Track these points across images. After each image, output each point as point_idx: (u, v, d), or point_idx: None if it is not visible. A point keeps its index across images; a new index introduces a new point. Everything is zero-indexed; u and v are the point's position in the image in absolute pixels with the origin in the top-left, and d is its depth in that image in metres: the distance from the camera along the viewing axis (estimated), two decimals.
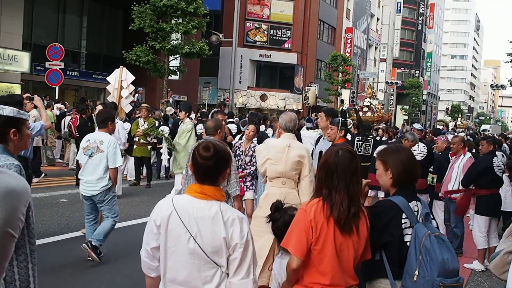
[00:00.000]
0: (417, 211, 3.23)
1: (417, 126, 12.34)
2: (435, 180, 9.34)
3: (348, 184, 3.03)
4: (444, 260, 2.99)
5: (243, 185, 7.84)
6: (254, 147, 7.97)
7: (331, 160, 3.07)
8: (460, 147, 8.76)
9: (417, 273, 3.02)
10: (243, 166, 7.98)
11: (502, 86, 48.21)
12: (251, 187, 8.01)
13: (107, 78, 13.58)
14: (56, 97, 20.36)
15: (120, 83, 12.93)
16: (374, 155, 8.32)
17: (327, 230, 2.97)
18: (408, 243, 3.12)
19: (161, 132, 12.96)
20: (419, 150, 9.09)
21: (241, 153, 8.05)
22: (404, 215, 3.16)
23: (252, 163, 7.94)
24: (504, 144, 16.30)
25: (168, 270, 2.75)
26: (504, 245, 3.48)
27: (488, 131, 41.98)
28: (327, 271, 2.98)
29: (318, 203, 3.04)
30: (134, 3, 24.53)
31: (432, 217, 3.33)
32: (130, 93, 13.73)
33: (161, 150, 13.09)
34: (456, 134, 16.03)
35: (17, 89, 21.21)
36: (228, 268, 2.71)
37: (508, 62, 37.46)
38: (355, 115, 15.50)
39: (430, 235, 3.06)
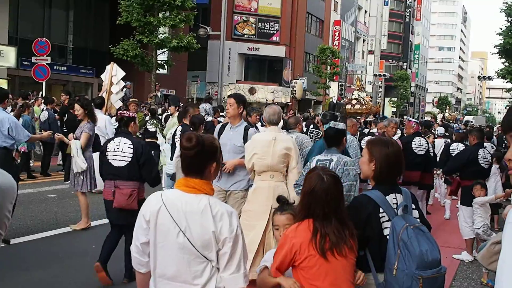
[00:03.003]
0: (396, 204, 3.24)
1: (413, 120, 12.39)
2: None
3: (335, 208, 3.06)
4: (422, 252, 3.00)
5: None
6: None
7: (318, 187, 3.07)
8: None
9: (396, 267, 3.03)
10: None
11: (489, 78, 48.50)
12: None
13: (101, 76, 13.56)
14: (44, 92, 20.20)
15: (110, 79, 12.91)
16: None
17: (317, 255, 3.00)
18: (387, 237, 3.13)
19: (151, 122, 12.94)
20: (422, 145, 9.07)
21: None
22: (381, 209, 3.18)
23: None
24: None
25: (158, 265, 2.75)
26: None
27: (471, 122, 42.21)
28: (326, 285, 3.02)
29: (305, 228, 3.07)
30: None
31: (414, 207, 3.33)
32: (120, 89, 13.69)
33: (158, 142, 13.03)
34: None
35: (3, 84, 20.99)
36: (218, 263, 2.71)
37: (495, 53, 37.70)
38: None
39: (408, 227, 3.07)
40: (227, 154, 5.86)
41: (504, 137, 12.52)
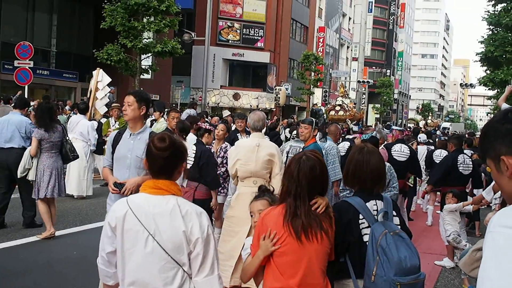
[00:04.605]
0: (376, 210, 3.25)
1: (396, 127, 12.51)
2: (411, 180, 9.48)
3: (309, 191, 3.04)
4: (401, 259, 3.01)
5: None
6: (225, 147, 7.74)
7: (293, 167, 3.09)
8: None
9: (374, 273, 3.03)
10: None
11: (471, 85, 49.03)
12: (222, 191, 7.71)
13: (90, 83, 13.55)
14: (26, 96, 20.00)
15: (96, 84, 12.85)
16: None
17: (290, 238, 2.98)
18: (367, 243, 3.14)
19: None
20: (402, 152, 9.15)
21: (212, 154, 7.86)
22: (361, 216, 3.19)
23: (223, 164, 7.65)
24: None
25: (126, 273, 2.66)
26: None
27: (449, 129, 42.66)
28: (294, 274, 2.98)
29: (280, 211, 3.06)
30: (106, 1, 24.30)
31: (394, 214, 3.35)
32: (106, 95, 13.64)
33: None
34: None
35: None
36: (190, 267, 2.65)
37: (477, 61, 38.15)
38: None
39: (387, 233, 3.08)
40: (127, 170, 4.71)
41: None
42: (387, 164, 6.33)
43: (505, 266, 1.48)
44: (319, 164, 3.11)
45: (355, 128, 12.46)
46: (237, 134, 9.88)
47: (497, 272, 1.48)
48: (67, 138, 8.37)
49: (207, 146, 7.02)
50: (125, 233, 2.64)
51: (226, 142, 7.97)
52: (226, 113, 17.94)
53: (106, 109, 14.18)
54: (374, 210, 3.24)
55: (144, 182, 4.10)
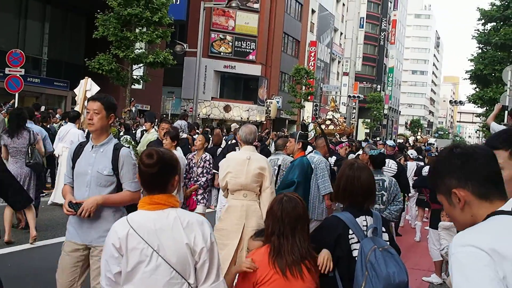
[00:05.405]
0: (366, 226, 3.28)
1: (389, 142, 12.52)
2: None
3: (293, 229, 3.13)
4: (389, 274, 3.04)
5: (194, 198, 7.78)
6: (205, 157, 7.90)
7: (276, 207, 3.19)
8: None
9: None
10: (195, 178, 7.81)
11: (461, 102, 49.31)
12: (202, 201, 7.81)
13: (74, 90, 13.44)
14: (16, 104, 19.91)
15: (84, 93, 12.82)
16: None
17: (276, 275, 3.05)
18: (356, 258, 3.17)
19: (124, 139, 12.89)
20: (389, 167, 9.17)
21: (193, 165, 7.87)
22: (350, 231, 3.23)
23: (203, 174, 7.80)
24: None
25: None
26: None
27: (433, 145, 42.85)
28: None
29: (265, 250, 3.16)
30: (98, 10, 24.30)
31: (384, 230, 3.38)
32: None
33: None
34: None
35: None
36: (196, 278, 2.65)
37: (466, 79, 38.48)
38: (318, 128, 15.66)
39: (376, 249, 3.12)
40: (87, 188, 4.08)
41: None
42: (393, 179, 6.67)
43: (472, 280, 1.59)
44: (301, 203, 3.22)
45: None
46: (236, 147, 9.83)
47: (468, 286, 1.59)
48: (34, 146, 8.38)
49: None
50: (129, 252, 2.62)
51: (206, 153, 8.06)
52: (234, 126, 17.98)
53: None
54: (363, 225, 3.27)
55: (105, 202, 3.99)
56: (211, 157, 8.19)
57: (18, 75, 20.28)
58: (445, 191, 1.86)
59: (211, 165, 8.00)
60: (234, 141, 12.93)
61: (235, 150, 9.34)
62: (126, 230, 2.64)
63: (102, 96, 4.33)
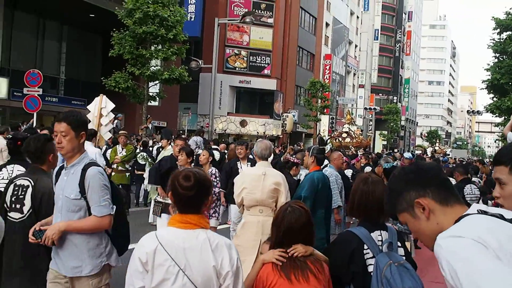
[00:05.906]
0: (381, 241, 3.26)
1: (406, 155, 12.42)
2: None
3: (296, 238, 3.16)
4: None
5: (205, 213, 7.77)
6: (211, 171, 7.88)
7: (280, 216, 3.22)
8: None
9: None
10: None
11: (478, 112, 49.00)
12: (214, 215, 7.80)
13: (88, 107, 13.55)
14: (34, 124, 20.16)
15: (100, 110, 12.93)
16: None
17: (281, 280, 3.07)
18: (371, 273, 3.15)
19: (141, 156, 13.05)
20: None
21: None
22: (365, 246, 3.21)
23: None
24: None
25: None
26: None
27: (449, 155, 42.27)
28: None
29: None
30: (114, 29, 24.59)
31: (399, 245, 3.36)
32: (110, 121, 13.71)
33: (144, 175, 13.09)
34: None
35: None
36: None
37: (483, 88, 38.18)
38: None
39: (392, 264, 3.09)
40: (59, 214, 3.74)
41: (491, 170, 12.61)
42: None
43: (477, 262, 1.57)
44: (305, 212, 3.23)
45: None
46: (237, 162, 9.78)
47: (475, 268, 1.56)
48: None
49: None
50: (155, 268, 2.60)
51: (212, 167, 8.08)
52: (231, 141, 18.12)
53: (110, 135, 14.26)
54: (379, 240, 3.25)
55: (68, 228, 3.62)
56: (217, 171, 8.25)
57: (36, 95, 20.54)
58: (406, 206, 1.88)
59: (218, 179, 8.04)
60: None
61: (236, 166, 9.38)
62: (154, 245, 2.61)
63: (68, 115, 3.76)
